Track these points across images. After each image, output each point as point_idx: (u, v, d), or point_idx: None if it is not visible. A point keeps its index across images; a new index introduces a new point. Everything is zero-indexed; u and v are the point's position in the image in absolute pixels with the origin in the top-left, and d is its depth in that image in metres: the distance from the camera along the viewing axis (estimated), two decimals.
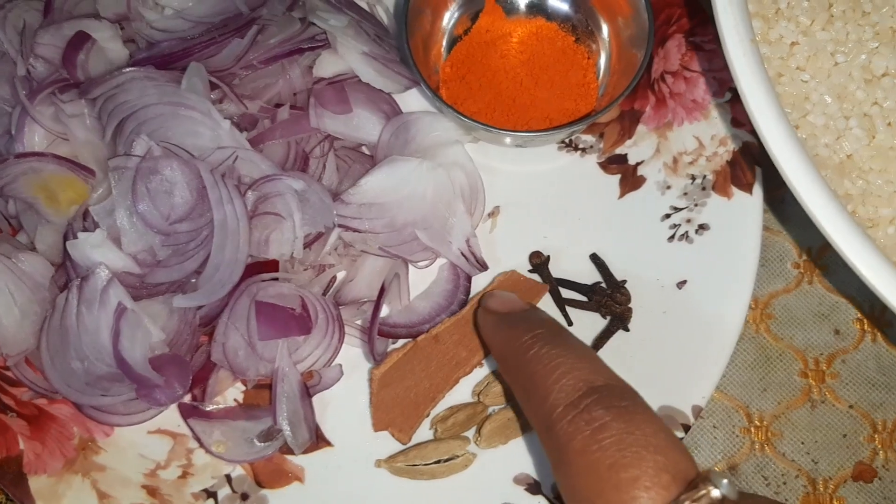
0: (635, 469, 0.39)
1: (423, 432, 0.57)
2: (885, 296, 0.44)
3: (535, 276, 0.61)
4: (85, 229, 0.56)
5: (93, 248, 0.55)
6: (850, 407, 0.61)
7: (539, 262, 0.61)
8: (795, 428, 0.60)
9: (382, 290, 0.58)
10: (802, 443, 0.60)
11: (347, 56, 0.62)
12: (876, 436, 0.60)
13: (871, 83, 0.53)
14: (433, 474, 0.55)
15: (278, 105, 0.61)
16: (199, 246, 0.55)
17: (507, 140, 0.62)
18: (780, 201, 0.66)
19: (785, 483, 0.59)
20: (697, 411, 0.55)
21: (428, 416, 0.57)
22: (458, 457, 0.55)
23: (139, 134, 0.56)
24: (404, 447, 0.56)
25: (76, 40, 0.59)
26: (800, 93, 0.53)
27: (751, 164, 0.62)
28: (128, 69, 0.57)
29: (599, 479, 0.39)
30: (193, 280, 0.56)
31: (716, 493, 0.37)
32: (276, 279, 0.56)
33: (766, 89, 0.47)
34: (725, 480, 0.37)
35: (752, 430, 0.60)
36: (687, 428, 0.55)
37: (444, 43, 0.67)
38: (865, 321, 0.63)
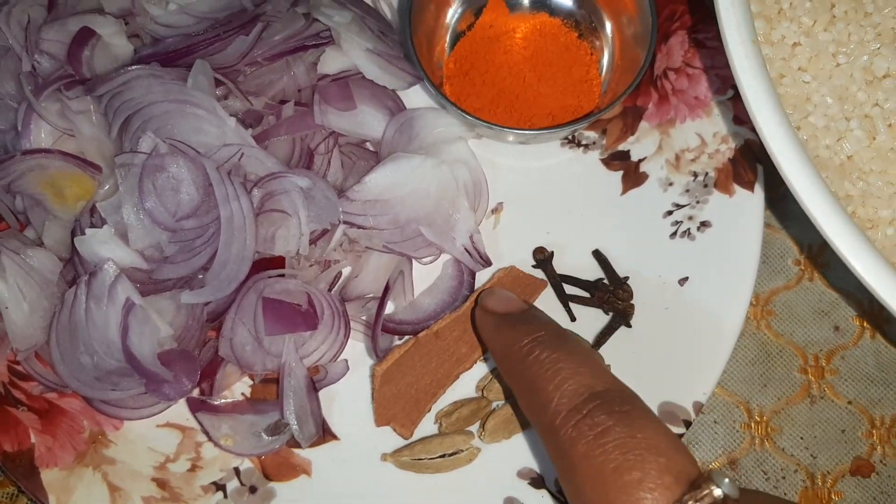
0: (639, 471, 0.39)
1: (427, 427, 0.57)
2: (882, 297, 0.45)
3: (538, 272, 0.61)
4: (92, 225, 0.56)
5: (100, 244, 0.55)
6: (849, 403, 0.62)
7: (543, 257, 0.62)
8: (795, 423, 0.61)
9: (387, 288, 0.58)
10: (802, 438, 0.61)
11: (351, 53, 0.62)
12: (874, 431, 0.61)
13: (872, 84, 0.53)
14: (438, 468, 0.56)
15: (283, 102, 0.61)
16: (206, 243, 0.56)
17: (511, 137, 0.63)
18: (781, 199, 0.66)
19: (784, 477, 0.60)
20: (698, 407, 0.56)
21: (429, 411, 0.57)
22: (462, 451, 0.56)
23: (145, 131, 0.56)
24: (409, 441, 0.57)
25: (81, 36, 0.59)
26: (801, 94, 0.53)
27: (752, 161, 0.62)
28: (133, 67, 0.57)
29: (604, 482, 0.40)
30: (200, 276, 0.56)
31: (718, 492, 0.38)
32: (283, 275, 0.57)
33: (767, 90, 0.47)
34: (727, 479, 0.38)
35: (753, 425, 0.61)
36: (688, 424, 0.56)
37: (448, 39, 0.67)
38: (865, 318, 0.64)
